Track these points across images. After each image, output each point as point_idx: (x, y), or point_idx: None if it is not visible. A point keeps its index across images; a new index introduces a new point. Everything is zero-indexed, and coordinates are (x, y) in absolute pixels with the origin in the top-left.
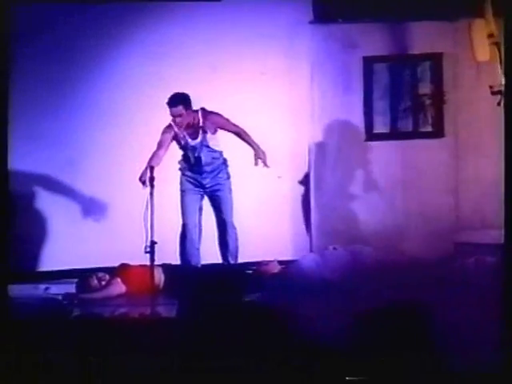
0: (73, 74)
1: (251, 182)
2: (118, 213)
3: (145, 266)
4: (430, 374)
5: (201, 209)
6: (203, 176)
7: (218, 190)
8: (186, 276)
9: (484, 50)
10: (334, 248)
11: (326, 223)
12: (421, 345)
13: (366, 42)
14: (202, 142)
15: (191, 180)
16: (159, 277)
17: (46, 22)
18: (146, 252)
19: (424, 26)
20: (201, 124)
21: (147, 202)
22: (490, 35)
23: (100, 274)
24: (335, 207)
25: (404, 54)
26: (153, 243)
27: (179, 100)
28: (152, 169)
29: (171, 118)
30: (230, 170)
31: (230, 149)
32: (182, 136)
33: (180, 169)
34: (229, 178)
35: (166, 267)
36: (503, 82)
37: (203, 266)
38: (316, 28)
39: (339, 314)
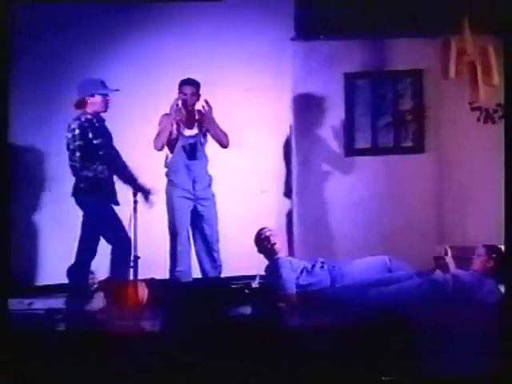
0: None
1: (235, 197)
2: None
3: (129, 280)
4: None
5: (190, 222)
6: (196, 183)
7: (206, 204)
8: (169, 290)
9: (453, 68)
10: (322, 262)
11: (309, 237)
12: (400, 356)
13: (347, 58)
14: (197, 134)
15: (181, 193)
16: (143, 291)
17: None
18: (130, 267)
19: (405, 43)
20: (197, 117)
21: (130, 218)
22: (466, 53)
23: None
24: (318, 221)
25: (385, 70)
26: (136, 258)
27: (194, 82)
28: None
29: (180, 96)
30: (214, 187)
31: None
32: (177, 126)
33: (169, 178)
34: (213, 195)
35: (150, 282)
36: (481, 99)
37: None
38: (298, 45)
39: (324, 327)
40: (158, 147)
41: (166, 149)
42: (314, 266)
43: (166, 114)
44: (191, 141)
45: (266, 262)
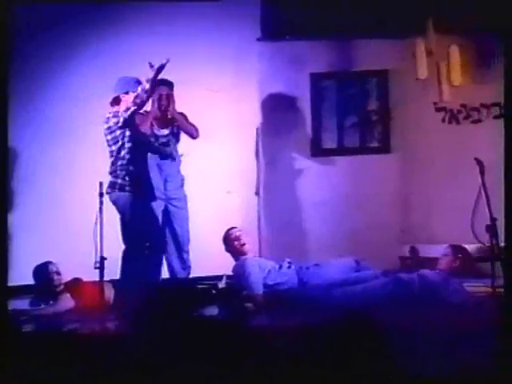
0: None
1: (200, 197)
2: (70, 227)
3: (95, 281)
4: None
5: (162, 221)
6: (167, 183)
7: (178, 204)
8: (136, 291)
9: (424, 68)
10: (289, 262)
11: (276, 237)
12: (366, 356)
13: (313, 58)
14: (169, 133)
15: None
16: (109, 292)
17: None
18: (96, 268)
19: (370, 44)
20: (169, 116)
21: (96, 218)
22: (431, 53)
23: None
24: (285, 222)
25: (351, 70)
26: (102, 259)
27: (168, 82)
28: (101, 184)
29: (155, 96)
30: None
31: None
32: (150, 125)
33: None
34: (185, 196)
35: (116, 282)
36: (445, 99)
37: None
38: (263, 45)
39: (291, 327)
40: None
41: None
42: (281, 267)
43: (140, 113)
44: (163, 140)
45: (232, 262)
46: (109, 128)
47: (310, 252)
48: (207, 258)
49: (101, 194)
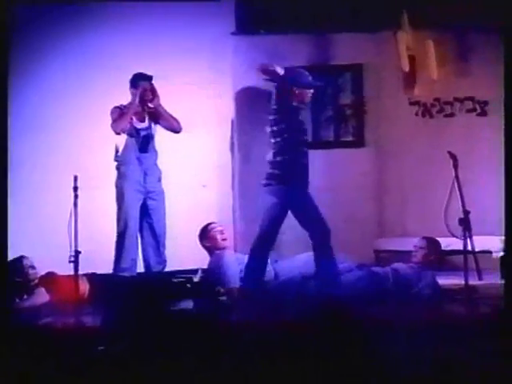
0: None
1: (176, 191)
2: (45, 221)
3: (69, 275)
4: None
5: (140, 215)
6: (147, 176)
7: (156, 198)
8: (111, 285)
9: (406, 61)
10: None
11: (251, 232)
12: (341, 349)
13: (288, 52)
14: (148, 127)
15: (132, 186)
16: (84, 286)
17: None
18: (70, 261)
19: (344, 38)
20: (153, 109)
21: (71, 212)
22: (407, 47)
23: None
24: (260, 216)
25: (325, 64)
26: (77, 253)
27: (149, 76)
28: (76, 178)
29: (136, 91)
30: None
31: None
32: (130, 119)
33: (120, 171)
34: (163, 192)
35: (91, 276)
36: (419, 93)
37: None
38: (239, 39)
39: (267, 320)
40: (117, 129)
41: (116, 143)
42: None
43: (117, 107)
44: (143, 133)
45: (206, 257)
46: (278, 115)
47: (285, 245)
48: (182, 252)
49: (75, 188)
